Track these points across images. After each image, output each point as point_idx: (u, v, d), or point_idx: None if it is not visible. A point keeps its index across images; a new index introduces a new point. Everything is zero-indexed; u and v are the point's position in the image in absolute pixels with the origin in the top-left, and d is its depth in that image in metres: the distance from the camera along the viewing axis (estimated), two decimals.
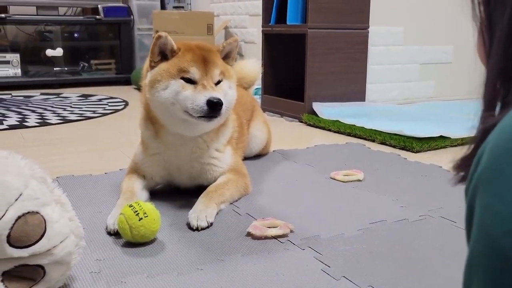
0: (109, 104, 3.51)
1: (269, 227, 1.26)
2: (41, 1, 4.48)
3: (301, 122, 2.87)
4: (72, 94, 4.02)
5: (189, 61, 1.39)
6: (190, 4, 4.75)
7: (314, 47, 2.87)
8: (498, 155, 0.42)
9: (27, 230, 0.86)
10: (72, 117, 3.00)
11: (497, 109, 0.50)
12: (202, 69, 1.39)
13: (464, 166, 0.53)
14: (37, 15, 4.48)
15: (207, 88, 1.37)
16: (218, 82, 1.43)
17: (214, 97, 1.34)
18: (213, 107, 1.34)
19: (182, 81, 1.38)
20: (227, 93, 1.43)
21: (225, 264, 1.10)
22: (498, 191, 0.41)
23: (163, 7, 4.71)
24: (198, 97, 1.35)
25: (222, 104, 1.35)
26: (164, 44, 1.41)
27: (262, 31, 3.20)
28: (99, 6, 4.58)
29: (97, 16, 4.57)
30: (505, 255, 0.39)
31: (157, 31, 1.44)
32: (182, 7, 4.70)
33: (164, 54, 1.43)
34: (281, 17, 3.06)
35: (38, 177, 0.92)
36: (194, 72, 1.38)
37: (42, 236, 0.88)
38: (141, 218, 1.17)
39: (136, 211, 1.18)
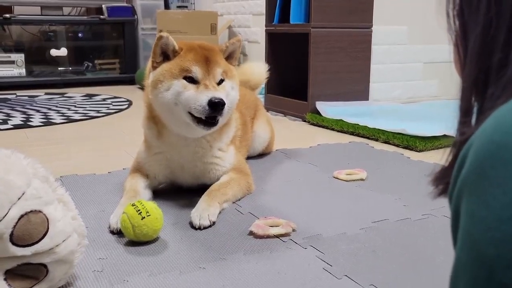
0: (113, 103, 3.52)
1: (271, 226, 1.26)
2: (45, 1, 4.49)
3: (305, 121, 2.87)
4: (76, 93, 4.03)
5: (191, 60, 1.39)
6: (193, 3, 4.75)
7: (318, 46, 2.87)
8: (482, 158, 0.40)
9: (30, 228, 0.86)
10: (76, 116, 3.01)
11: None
12: (205, 69, 1.39)
13: (442, 179, 0.52)
14: (42, 15, 4.49)
15: (209, 88, 1.36)
16: (221, 82, 1.42)
17: (216, 97, 1.34)
18: (215, 108, 1.34)
19: (184, 81, 1.38)
20: (229, 93, 1.43)
21: (227, 263, 1.10)
22: (483, 197, 0.39)
23: (167, 6, 4.71)
24: (200, 97, 1.35)
25: (224, 104, 1.35)
26: (166, 44, 1.41)
27: (266, 30, 3.20)
28: (103, 6, 4.59)
29: (101, 16, 4.58)
30: (489, 264, 0.38)
31: (160, 31, 1.44)
32: (186, 6, 4.70)
33: (166, 55, 1.43)
34: (285, 17, 3.06)
35: (41, 176, 0.93)
36: (196, 71, 1.38)
37: (45, 234, 0.88)
38: (144, 217, 1.18)
39: (139, 210, 1.19)
